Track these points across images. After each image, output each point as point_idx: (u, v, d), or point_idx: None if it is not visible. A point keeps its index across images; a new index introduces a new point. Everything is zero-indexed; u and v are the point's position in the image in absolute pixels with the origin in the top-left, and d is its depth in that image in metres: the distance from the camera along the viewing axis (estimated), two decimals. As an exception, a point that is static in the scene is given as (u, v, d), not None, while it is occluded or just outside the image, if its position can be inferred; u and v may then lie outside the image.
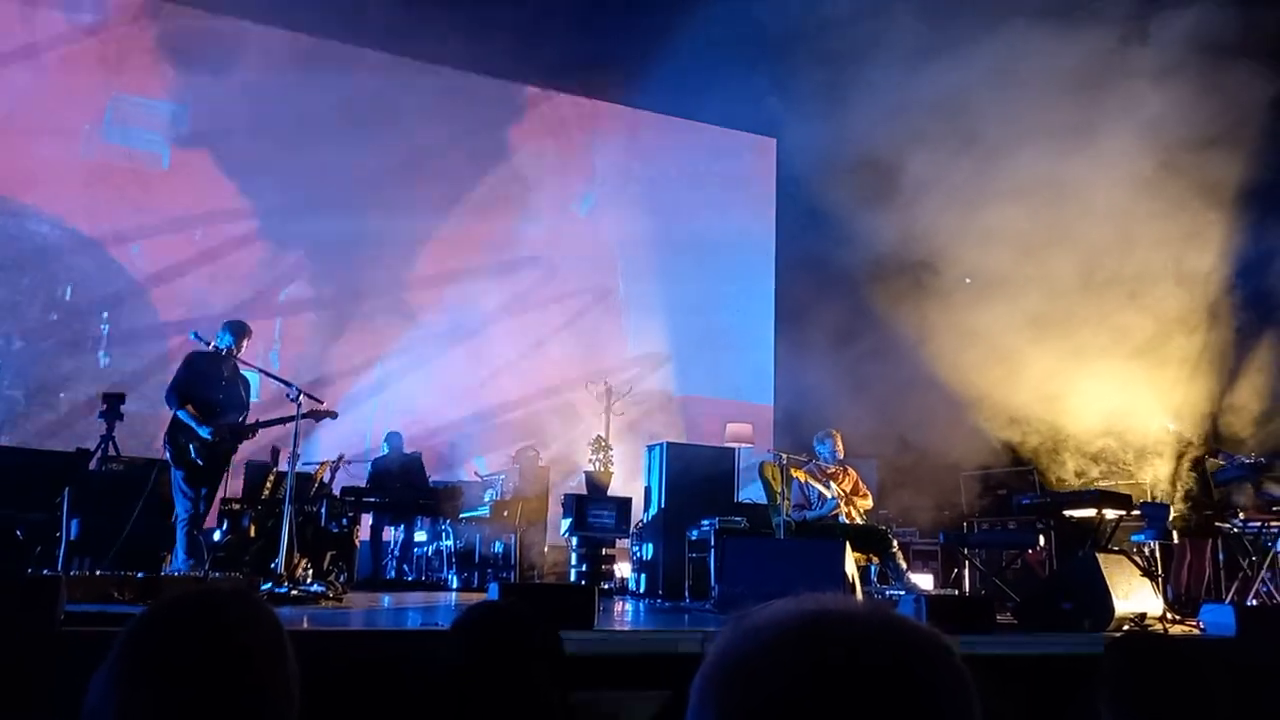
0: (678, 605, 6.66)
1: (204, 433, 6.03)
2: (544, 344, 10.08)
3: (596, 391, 8.86)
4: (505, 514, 8.46)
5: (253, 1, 8.92)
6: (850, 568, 5.69)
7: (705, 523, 6.87)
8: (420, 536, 8.67)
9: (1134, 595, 5.37)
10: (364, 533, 8.09)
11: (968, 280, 9.06)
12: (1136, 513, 6.35)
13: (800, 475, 6.80)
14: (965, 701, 0.76)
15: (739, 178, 11.94)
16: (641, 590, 7.56)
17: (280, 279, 9.74)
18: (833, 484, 6.86)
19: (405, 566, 8.53)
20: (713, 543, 6.54)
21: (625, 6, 9.89)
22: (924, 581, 7.54)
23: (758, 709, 0.75)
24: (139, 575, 5.46)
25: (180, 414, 6.06)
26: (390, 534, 8.61)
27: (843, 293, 10.15)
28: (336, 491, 8.03)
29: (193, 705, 1.27)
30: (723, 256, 11.44)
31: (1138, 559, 5.81)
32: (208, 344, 6.15)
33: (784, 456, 6.73)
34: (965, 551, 7.40)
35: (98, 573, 5.56)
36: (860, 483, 7.14)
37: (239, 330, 6.26)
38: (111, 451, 7.33)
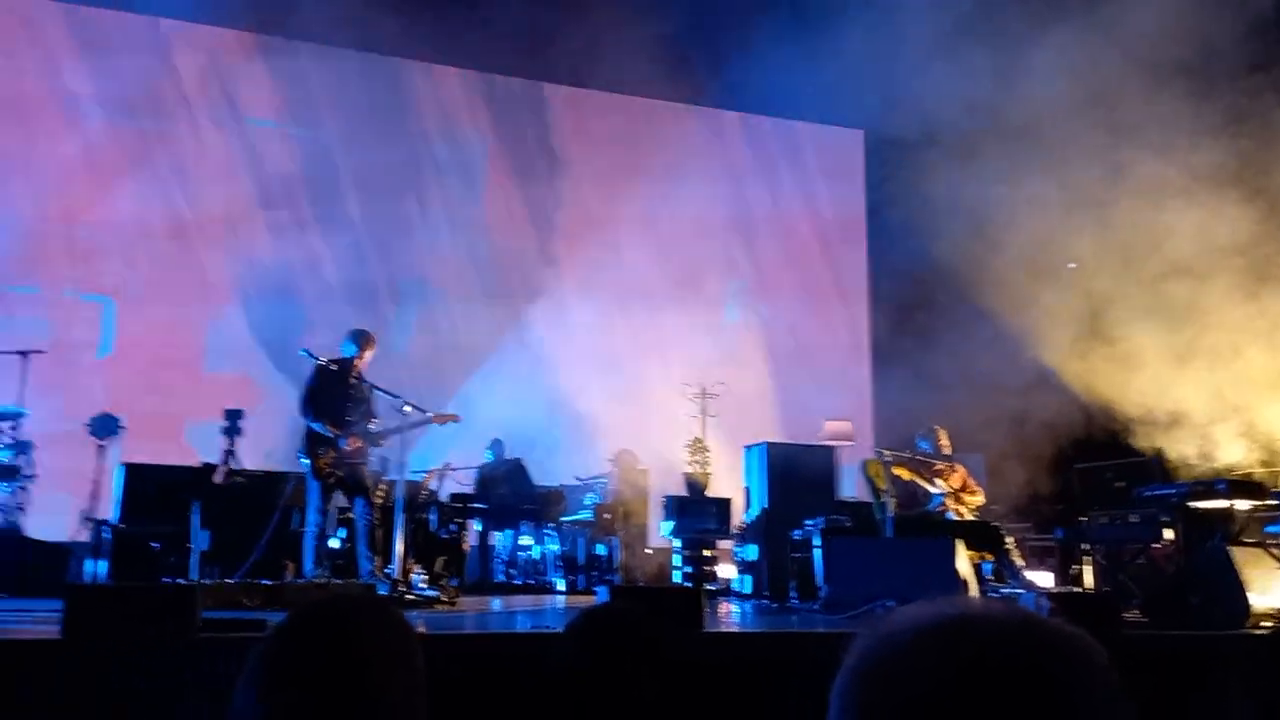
0: (784, 606, 6.61)
1: (341, 443, 6.24)
2: (637, 347, 10.14)
3: (691, 393, 8.86)
4: (606, 517, 8.55)
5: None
6: (963, 566, 5.54)
7: (808, 522, 6.79)
8: (526, 540, 8.83)
9: (1273, 589, 5.07)
10: (471, 538, 8.29)
11: (1072, 265, 8.72)
12: (1273, 502, 5.98)
13: (904, 472, 6.65)
14: (1112, 703, 0.74)
15: (826, 172, 11.77)
16: (747, 591, 7.52)
17: (379, 288, 10.07)
18: (939, 480, 6.68)
19: (512, 570, 8.70)
20: (817, 543, 6.46)
21: (692, 6, 9.90)
22: (1042, 579, 7.27)
23: (899, 713, 0.74)
24: (265, 583, 5.74)
25: (315, 426, 6.20)
26: (497, 539, 8.79)
27: (940, 283, 9.90)
28: (444, 498, 8.28)
29: (332, 709, 1.33)
30: (814, 252, 11.29)
31: (1276, 551, 5.47)
32: (317, 359, 6.36)
33: (887, 454, 6.60)
34: (1085, 547, 7.10)
35: (228, 581, 5.86)
36: (969, 478, 6.94)
37: (362, 339, 6.42)
38: (234, 465, 7.71)
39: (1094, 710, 0.73)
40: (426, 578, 6.56)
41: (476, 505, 8.43)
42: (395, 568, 6.01)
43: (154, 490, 6.83)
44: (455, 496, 8.45)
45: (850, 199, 11.84)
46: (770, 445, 7.78)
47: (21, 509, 6.85)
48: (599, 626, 1.81)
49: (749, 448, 7.96)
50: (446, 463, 8.07)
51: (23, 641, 3.58)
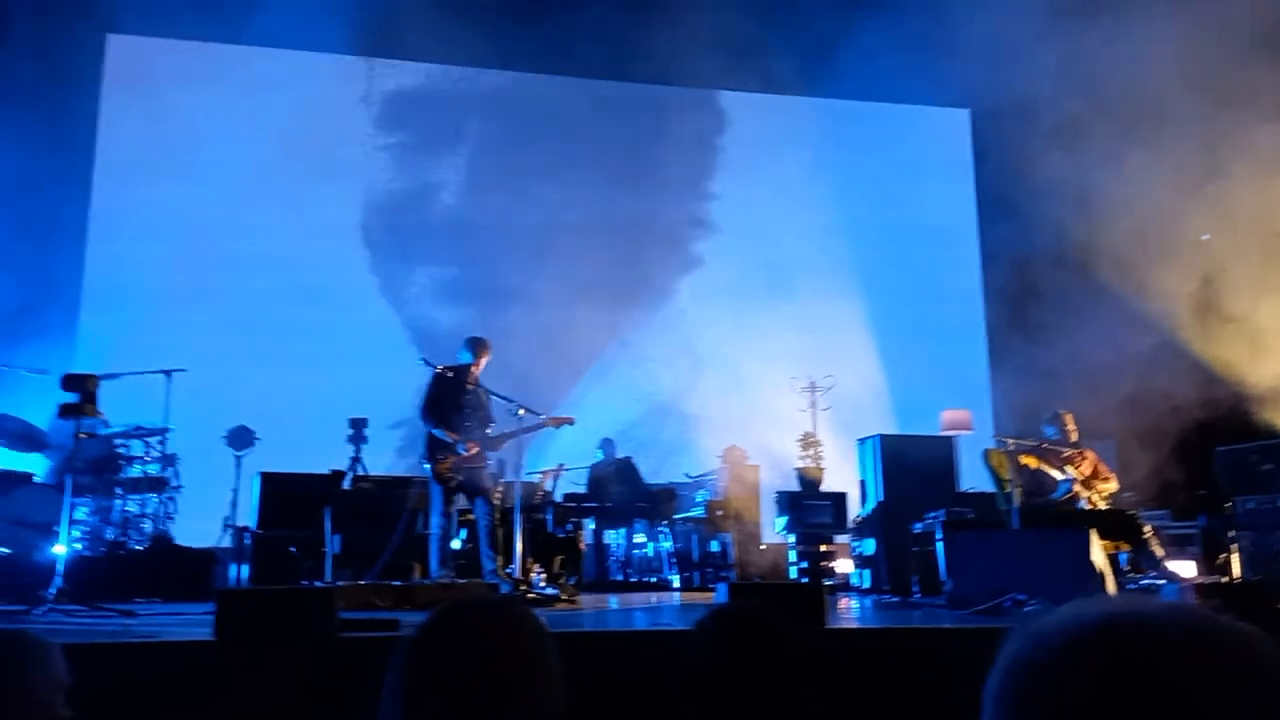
0: (906, 601, 6.45)
1: (460, 448, 6.45)
2: (744, 342, 10.08)
3: (800, 387, 8.75)
4: (719, 513, 8.54)
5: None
6: (1099, 557, 5.29)
7: (929, 515, 6.61)
8: (639, 538, 8.91)
9: None
10: (586, 537, 8.42)
11: (1205, 237, 8.22)
12: None
13: (1030, 461, 6.40)
14: None
15: (932, 154, 11.43)
16: (866, 586, 7.39)
17: (485, 293, 10.32)
18: (1068, 468, 6.40)
19: (628, 568, 8.79)
20: (939, 536, 6.29)
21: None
22: (1185, 569, 6.88)
23: (1061, 715, 0.72)
24: (395, 584, 5.98)
25: (436, 432, 6.42)
26: (611, 537, 8.90)
27: (1055, 263, 9.50)
28: (559, 498, 8.43)
29: (474, 706, 1.38)
30: (922, 237, 10.98)
31: None
32: (435, 367, 6.59)
33: (1011, 442, 6.36)
34: (1231, 534, 6.69)
35: (360, 583, 6.12)
36: (1101, 465, 6.62)
37: (478, 346, 6.62)
38: (360, 471, 8.06)
39: (1267, 710, 0.70)
40: (546, 576, 6.71)
41: (590, 504, 8.56)
42: (516, 567, 6.16)
43: (288, 497, 7.20)
44: (569, 496, 8.60)
45: (958, 181, 11.47)
46: (884, 438, 7.61)
47: (170, 518, 7.32)
48: (729, 624, 1.81)
49: (862, 441, 7.81)
50: (560, 464, 8.21)
51: (180, 643, 3.83)
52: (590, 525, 8.58)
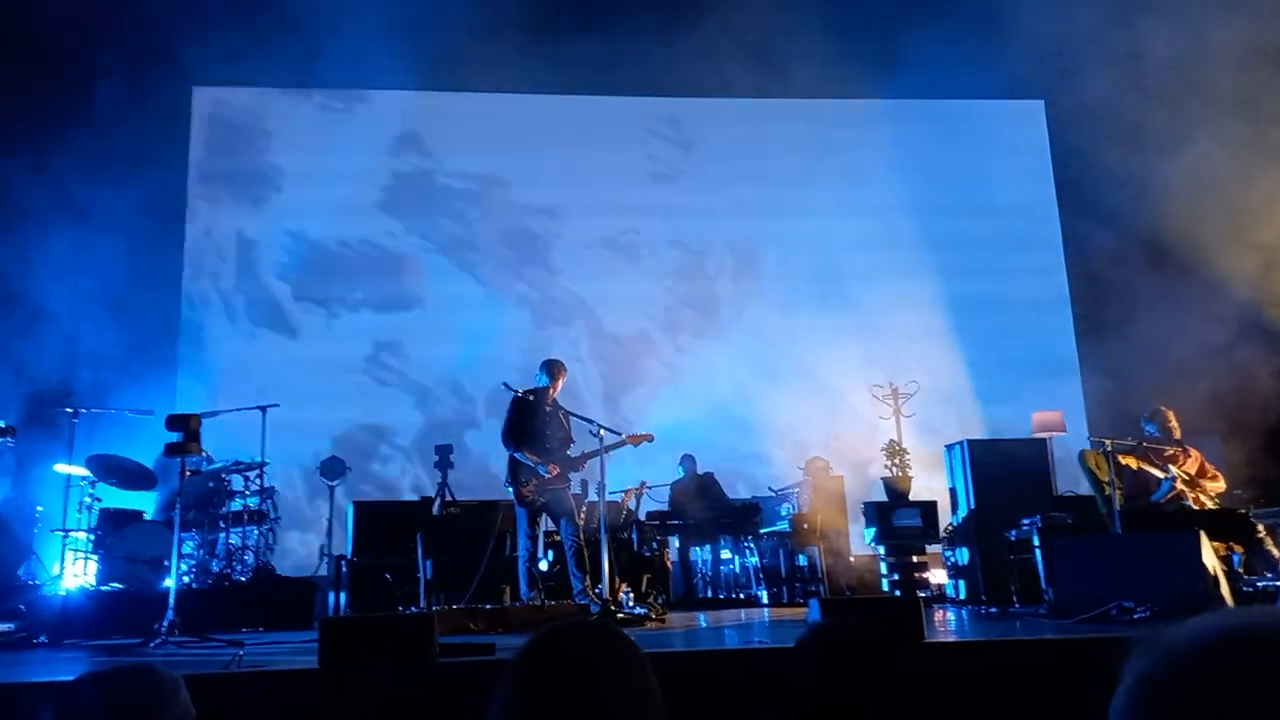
0: (1006, 612, 6.26)
1: (542, 470, 6.54)
2: (821, 351, 9.97)
3: (882, 394, 8.60)
4: (805, 527, 8.43)
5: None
6: (1210, 559, 5.05)
7: (1025, 521, 6.40)
8: (725, 555, 8.85)
9: None
10: (672, 554, 8.40)
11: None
12: None
13: (1132, 461, 6.15)
14: None
15: (1007, 151, 11.14)
16: (962, 597, 7.19)
17: (562, 312, 10.45)
18: (1171, 466, 6.13)
19: (715, 585, 8.73)
20: (1037, 543, 6.08)
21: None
22: (1304, 570, 6.50)
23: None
24: (488, 606, 6.06)
25: (518, 456, 6.54)
26: (696, 554, 8.86)
27: (1144, 255, 9.16)
28: (642, 517, 8.44)
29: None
30: (1002, 235, 10.71)
31: None
32: (518, 392, 6.69)
33: (1108, 442, 6.12)
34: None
35: (452, 607, 6.23)
36: (1206, 463, 6.33)
37: (553, 369, 6.75)
38: (448, 497, 8.22)
39: None
40: (634, 596, 6.72)
41: (674, 522, 8.55)
42: (604, 587, 6.19)
43: (380, 524, 7.38)
44: (652, 515, 8.61)
45: (1036, 177, 11.16)
46: (972, 443, 7.41)
47: (270, 549, 7.58)
48: (832, 642, 1.78)
49: (950, 447, 7.62)
50: (642, 482, 8.23)
51: (287, 671, 3.96)
52: (675, 543, 8.57)
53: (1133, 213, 9.12)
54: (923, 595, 6.95)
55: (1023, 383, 9.92)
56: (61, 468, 7.04)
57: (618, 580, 6.52)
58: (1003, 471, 7.17)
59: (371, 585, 7.03)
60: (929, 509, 7.34)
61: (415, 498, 8.02)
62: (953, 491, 7.56)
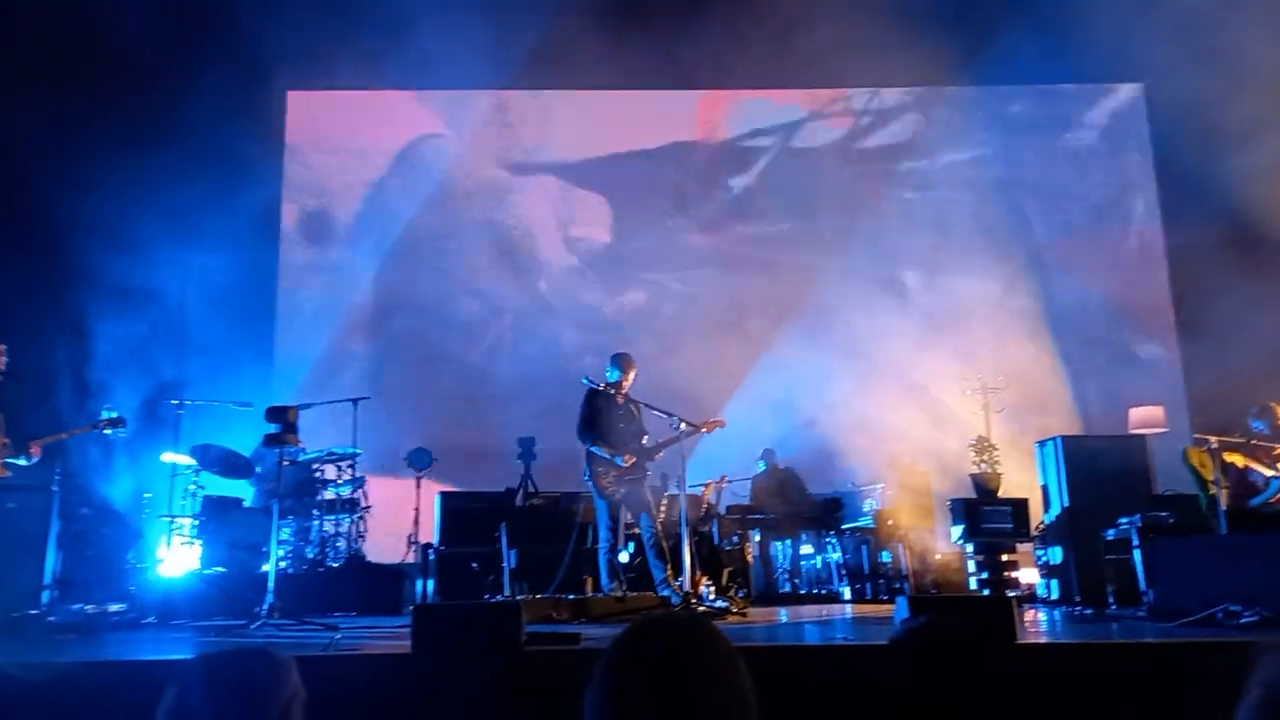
0: (1101, 614, 6.04)
1: (619, 461, 6.61)
2: (908, 344, 9.77)
3: (970, 389, 8.38)
4: (889, 523, 8.30)
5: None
6: (1325, 564, 4.78)
7: (1123, 521, 6.17)
8: (806, 550, 8.77)
9: None
10: (752, 549, 8.37)
11: None
12: None
13: (1238, 458, 5.87)
14: None
15: (1106, 134, 10.71)
16: (1054, 597, 6.97)
17: (654, 298, 10.49)
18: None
19: (796, 580, 8.66)
20: (1136, 543, 5.85)
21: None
22: None
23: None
24: (571, 597, 6.14)
25: (593, 449, 6.65)
26: (777, 549, 8.80)
27: (1251, 244, 8.71)
28: (722, 511, 8.43)
29: (675, 715, 1.41)
30: (1101, 221, 10.32)
31: None
32: (598, 385, 6.77)
33: (1213, 439, 5.85)
34: None
35: (536, 596, 6.33)
36: (1321, 462, 5.99)
37: (623, 361, 6.82)
38: (531, 489, 8.35)
39: None
40: (715, 589, 6.71)
41: (754, 516, 8.51)
42: (685, 580, 6.20)
43: (466, 515, 7.55)
44: (732, 509, 8.58)
45: (1135, 163, 10.70)
46: (1066, 439, 7.17)
47: (362, 537, 7.82)
48: (926, 642, 1.75)
49: (1041, 443, 7.39)
50: (722, 475, 8.21)
51: (381, 655, 4.09)
52: (755, 537, 8.52)
53: (1237, 203, 8.68)
54: (1013, 595, 6.77)
55: (1119, 378, 9.55)
56: (168, 457, 7.39)
57: (698, 573, 6.53)
58: (1099, 469, 6.92)
59: (458, 574, 7.19)
60: (1020, 506, 7.13)
61: (499, 489, 8.16)
62: (1045, 489, 7.33)
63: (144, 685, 3.37)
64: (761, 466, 9.04)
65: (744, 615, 6.21)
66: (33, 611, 5.78)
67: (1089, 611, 6.14)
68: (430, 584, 7.30)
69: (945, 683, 1.69)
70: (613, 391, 6.72)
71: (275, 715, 1.53)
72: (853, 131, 10.74)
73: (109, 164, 7.97)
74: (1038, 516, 7.38)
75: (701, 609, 6.05)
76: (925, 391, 9.39)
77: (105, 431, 6.23)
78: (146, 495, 7.77)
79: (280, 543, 6.61)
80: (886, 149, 10.56)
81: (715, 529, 7.93)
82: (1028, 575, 7.60)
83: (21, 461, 5.75)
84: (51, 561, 6.74)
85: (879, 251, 10.36)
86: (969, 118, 10.60)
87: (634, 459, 6.61)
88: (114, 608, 6.47)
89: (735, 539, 7.97)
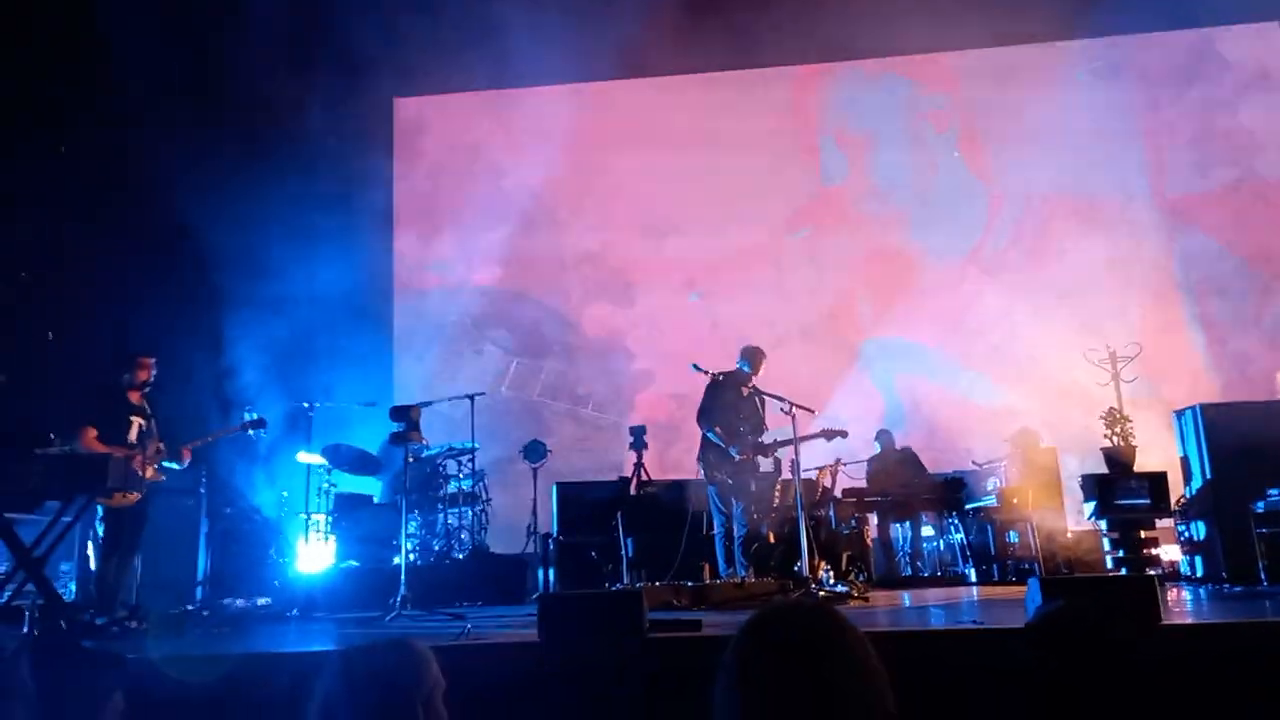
0: (1253, 590, 5.69)
1: (732, 452, 6.63)
2: (1028, 312, 9.38)
3: (1098, 358, 7.97)
4: (1015, 501, 8.00)
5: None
6: None
7: (1273, 492, 5.79)
8: (927, 531, 8.56)
9: None
10: (871, 532, 8.22)
11: None
12: None
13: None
14: None
15: (1243, 76, 9.96)
16: (1199, 575, 6.60)
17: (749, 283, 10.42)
18: None
19: (918, 563, 8.47)
20: (1291, 515, 5.47)
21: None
22: None
23: None
24: (690, 584, 6.18)
25: (710, 435, 6.71)
26: (896, 531, 8.62)
27: None
28: (838, 494, 8.30)
29: (808, 703, 1.41)
30: (1241, 171, 9.63)
31: None
32: (706, 373, 6.77)
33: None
34: None
35: (655, 583, 6.40)
36: None
37: (753, 355, 6.85)
38: (644, 477, 8.41)
39: None
40: (834, 573, 6.63)
41: (872, 498, 8.35)
42: (803, 565, 6.15)
43: (582, 505, 7.68)
44: (848, 491, 8.44)
45: (1269, 102, 9.93)
46: (1206, 407, 6.75)
47: (484, 529, 8.06)
48: (1068, 625, 1.69)
49: (1179, 413, 6.99)
50: (837, 459, 8.09)
51: (510, 644, 4.22)
52: (874, 520, 8.37)
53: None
54: (1154, 574, 6.43)
55: (1263, 341, 8.93)
56: (303, 457, 7.78)
57: (817, 558, 6.46)
58: (1244, 438, 6.48)
59: (577, 562, 7.33)
60: (1158, 480, 6.76)
61: (613, 478, 8.26)
62: (1184, 461, 6.93)
63: (296, 674, 3.59)
64: (877, 448, 8.86)
65: (865, 600, 6.11)
66: (189, 607, 6.21)
67: (1238, 589, 5.80)
68: (551, 573, 7.46)
69: (1091, 666, 1.63)
70: (738, 383, 6.73)
71: (419, 705, 1.60)
72: (955, 98, 10.34)
73: (236, 190, 8.45)
74: (1178, 490, 6.99)
75: (822, 594, 5.99)
76: (1047, 364, 9.00)
77: (249, 432, 6.60)
78: (284, 494, 8.21)
79: (408, 536, 6.88)
80: (992, 109, 10.12)
81: (832, 513, 7.83)
82: (1169, 552, 7.22)
83: (175, 465, 6.15)
84: (203, 559, 7.22)
85: (995, 212, 9.95)
86: (1075, 71, 10.05)
87: (750, 454, 6.62)
88: (260, 602, 6.88)
89: (853, 522, 7.85)
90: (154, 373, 6.21)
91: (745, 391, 6.72)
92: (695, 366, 6.82)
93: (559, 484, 8.02)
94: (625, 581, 6.76)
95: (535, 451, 8.59)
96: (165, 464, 6.11)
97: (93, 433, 5.86)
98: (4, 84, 7.95)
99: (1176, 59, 10.01)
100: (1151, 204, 9.71)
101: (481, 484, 8.12)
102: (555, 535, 7.64)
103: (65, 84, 8.34)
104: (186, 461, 6.19)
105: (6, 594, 5.52)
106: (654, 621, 4.05)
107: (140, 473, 5.81)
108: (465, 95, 10.92)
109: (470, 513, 7.94)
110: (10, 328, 7.78)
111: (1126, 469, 6.93)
